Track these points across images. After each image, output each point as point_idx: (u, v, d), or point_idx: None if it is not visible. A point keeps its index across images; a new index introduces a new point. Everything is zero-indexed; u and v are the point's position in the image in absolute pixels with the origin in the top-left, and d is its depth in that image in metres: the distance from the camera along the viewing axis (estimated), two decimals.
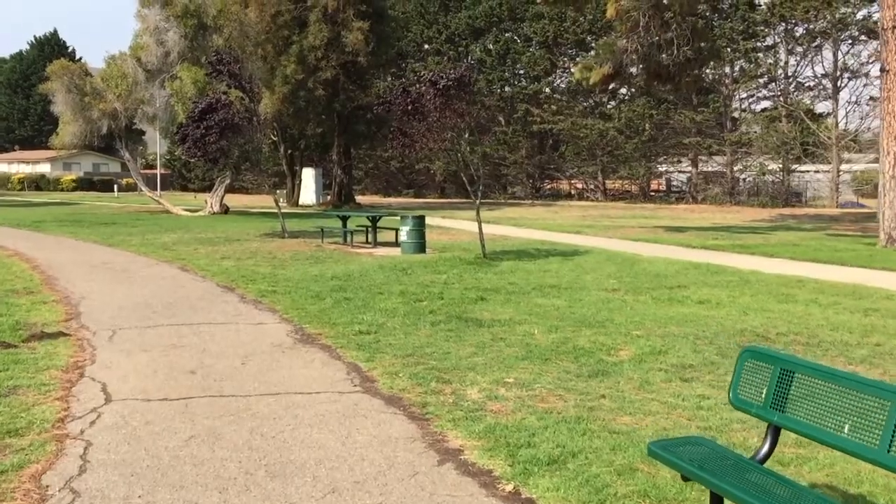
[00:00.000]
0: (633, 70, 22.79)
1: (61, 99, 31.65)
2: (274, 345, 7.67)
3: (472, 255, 15.96)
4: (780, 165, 44.10)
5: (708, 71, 35.97)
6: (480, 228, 15.97)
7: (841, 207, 41.29)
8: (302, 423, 5.20)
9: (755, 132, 45.15)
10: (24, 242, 19.24)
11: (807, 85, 44.69)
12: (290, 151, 45.04)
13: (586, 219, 31.64)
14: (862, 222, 28.96)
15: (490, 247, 16.21)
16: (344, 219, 20.23)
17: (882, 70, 18.18)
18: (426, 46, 58.86)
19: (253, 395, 5.86)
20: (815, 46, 42.66)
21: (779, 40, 44.39)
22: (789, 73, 44.66)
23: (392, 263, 14.56)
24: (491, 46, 54.07)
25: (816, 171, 45.09)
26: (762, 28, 43.88)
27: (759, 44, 44.50)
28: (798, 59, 44.08)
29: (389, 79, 51.09)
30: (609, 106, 52.56)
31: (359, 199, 46.44)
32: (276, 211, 23.79)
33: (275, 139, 42.41)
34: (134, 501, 3.96)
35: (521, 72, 55.27)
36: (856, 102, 44.26)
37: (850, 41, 41.98)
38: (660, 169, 52.55)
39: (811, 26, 41.78)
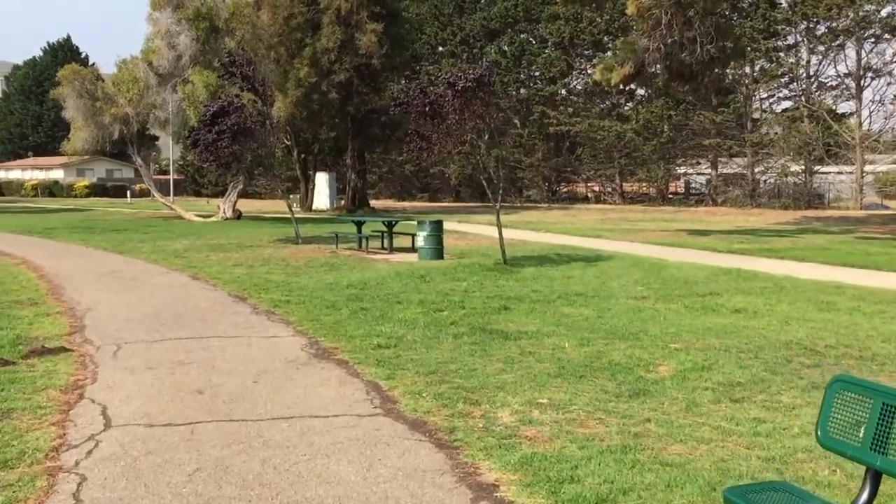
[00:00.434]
0: (655, 69, 22.17)
1: (72, 104, 31.40)
2: (288, 360, 7.19)
3: (492, 261, 15.45)
4: (803, 167, 43.28)
5: (728, 71, 35.25)
6: (501, 234, 15.45)
7: (865, 209, 40.46)
8: (318, 453, 4.70)
9: (776, 133, 44.36)
10: (33, 250, 18.90)
11: (829, 84, 43.88)
12: (303, 156, 44.66)
13: (605, 222, 31.04)
14: (890, 224, 28.22)
15: (510, 252, 15.69)
16: (359, 224, 19.77)
17: None
18: (440, 49, 58.38)
19: (265, 420, 5.38)
20: (838, 45, 41.84)
21: (800, 39, 43.60)
22: (811, 73, 43.85)
23: (409, 270, 14.07)
24: (506, 48, 53.52)
25: (839, 173, 44.22)
26: (783, 27, 43.12)
27: (780, 43, 43.74)
28: (820, 58, 43.28)
29: (403, 81, 50.66)
30: (626, 107, 51.90)
31: (373, 203, 46.01)
32: (289, 216, 23.37)
33: (288, 143, 42.03)
34: None
35: (537, 73, 54.68)
36: (880, 102, 43.34)
37: (873, 40, 41.15)
38: (678, 171, 51.79)
39: (833, 24, 40.98)
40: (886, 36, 40.25)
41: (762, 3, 43.11)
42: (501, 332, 8.39)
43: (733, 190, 46.32)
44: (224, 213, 32.99)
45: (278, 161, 32.57)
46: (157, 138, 67.69)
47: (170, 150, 59.84)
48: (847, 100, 43.85)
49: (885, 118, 44.84)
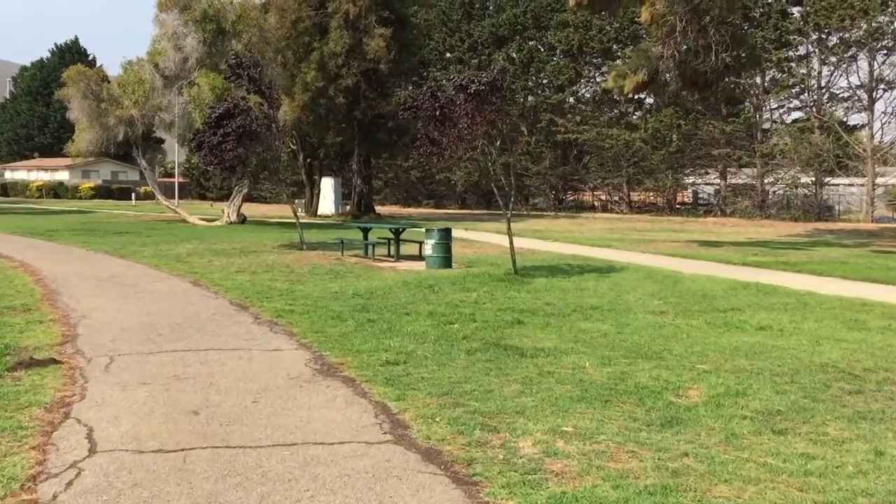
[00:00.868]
0: (668, 77, 21.75)
1: (77, 105, 31.06)
2: (290, 377, 6.74)
3: (502, 270, 15.00)
4: (813, 178, 42.78)
5: (738, 80, 34.82)
6: (511, 242, 15.00)
7: (876, 222, 39.95)
8: (323, 488, 4.25)
9: (786, 144, 43.86)
10: (32, 252, 18.50)
11: (840, 96, 43.40)
12: (309, 160, 44.32)
13: (614, 232, 30.59)
14: None
15: (519, 262, 15.23)
16: (365, 231, 19.35)
17: None
18: (448, 55, 58.10)
19: (264, 446, 4.93)
20: (850, 56, 41.37)
21: (812, 50, 43.15)
22: (822, 84, 43.38)
23: (417, 279, 13.62)
24: (514, 55, 53.15)
25: (850, 185, 43.71)
26: (795, 37, 42.67)
27: (791, 53, 43.30)
28: (832, 69, 42.80)
29: (410, 87, 50.32)
30: (635, 116, 51.48)
31: (378, 209, 45.60)
32: (294, 221, 22.96)
33: (294, 147, 41.68)
34: None
35: (545, 81, 54.32)
36: (892, 114, 42.80)
37: (885, 51, 40.69)
38: (686, 181, 51.32)
39: (846, 35, 40.52)
40: None
41: (774, 13, 42.71)
42: (516, 348, 7.93)
43: (742, 201, 45.84)
44: (228, 217, 32.60)
45: (284, 165, 32.22)
46: (162, 141, 67.45)
47: (175, 152, 59.58)
48: (859, 111, 43.39)
49: None
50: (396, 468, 4.56)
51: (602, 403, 5.85)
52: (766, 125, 46.49)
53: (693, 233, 30.48)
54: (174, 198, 50.87)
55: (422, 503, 4.07)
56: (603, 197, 54.84)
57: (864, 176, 42.17)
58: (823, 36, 42.11)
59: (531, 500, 4.06)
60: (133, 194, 63.19)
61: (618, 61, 48.45)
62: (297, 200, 40.86)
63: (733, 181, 47.82)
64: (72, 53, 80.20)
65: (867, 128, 42.50)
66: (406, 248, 18.63)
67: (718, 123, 44.18)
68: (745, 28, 38.42)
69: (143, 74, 30.41)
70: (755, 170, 45.26)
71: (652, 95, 31.88)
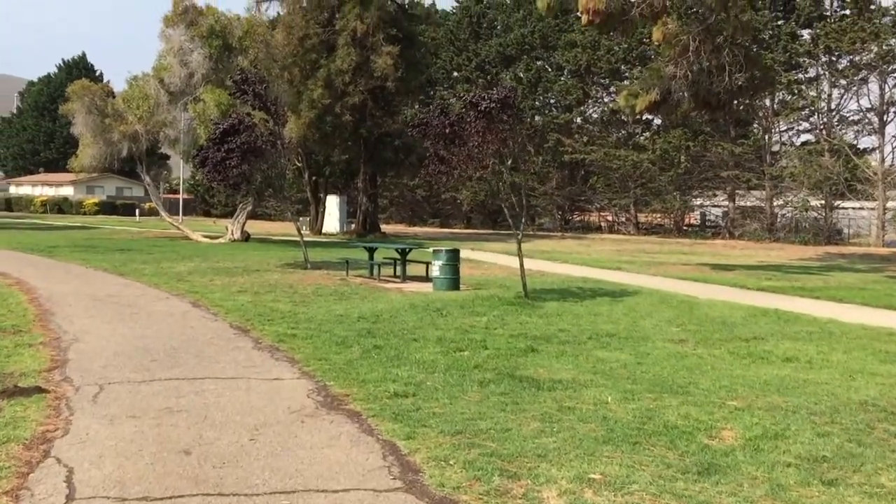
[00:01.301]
0: (681, 97, 21.36)
1: (81, 120, 30.79)
2: (291, 411, 6.27)
3: (512, 293, 14.55)
4: (822, 201, 42.31)
5: (748, 101, 34.45)
6: (522, 264, 14.55)
7: (887, 246, 39.42)
8: None
9: (795, 166, 43.43)
10: (30, 269, 18.10)
11: (850, 119, 43.02)
12: (314, 178, 44.01)
13: (622, 253, 30.12)
14: None
15: (529, 284, 14.77)
16: (371, 250, 18.92)
17: None
18: (455, 74, 57.96)
19: (261, 494, 4.46)
20: (861, 79, 41.03)
21: (822, 72, 42.83)
22: (832, 106, 43.02)
23: (425, 302, 13.17)
24: (522, 74, 52.95)
25: (860, 208, 43.23)
26: (805, 59, 42.38)
27: (801, 75, 43.00)
28: (842, 91, 42.45)
29: (417, 106, 50.11)
30: (643, 137, 51.14)
31: (383, 227, 45.21)
32: (298, 239, 22.54)
33: (299, 165, 41.37)
34: None
35: (553, 101, 54.09)
36: None
37: None
38: (695, 202, 50.88)
39: (857, 58, 40.20)
40: None
41: (784, 35, 42.45)
42: (532, 379, 7.46)
43: (751, 223, 45.35)
44: (232, 234, 32.23)
45: (289, 183, 31.85)
46: (167, 157, 67.46)
47: (180, 169, 59.41)
48: (869, 134, 42.98)
49: None
50: None
51: (630, 446, 5.37)
52: (776, 147, 46.11)
53: (703, 255, 30.01)
54: (179, 214, 50.59)
55: None
56: (609, 218, 54.43)
57: (875, 199, 41.70)
58: (834, 58, 41.81)
59: None
60: (137, 210, 62.93)
61: (626, 81, 48.24)
62: (301, 218, 40.52)
63: (741, 203, 47.36)
64: (79, 69, 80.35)
65: (878, 151, 42.09)
66: (412, 269, 18.18)
67: (727, 145, 43.82)
68: (754, 49, 38.17)
69: (148, 90, 30.15)
70: (764, 192, 44.83)
71: (660, 116, 31.49)
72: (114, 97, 32.83)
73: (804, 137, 46.01)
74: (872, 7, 39.72)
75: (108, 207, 69.54)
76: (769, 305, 13.72)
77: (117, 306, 12.23)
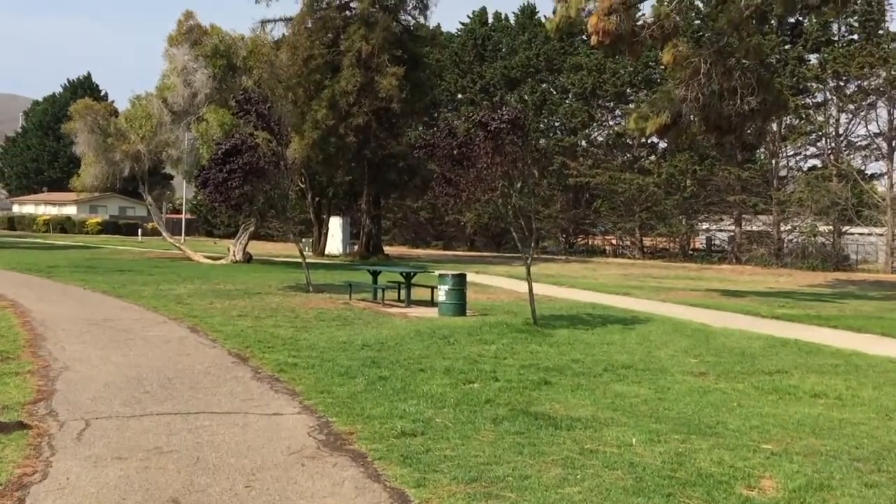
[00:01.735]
0: (692, 120, 21.00)
1: (83, 139, 30.48)
2: (291, 451, 5.80)
3: (520, 320, 14.09)
4: (830, 227, 41.88)
5: (758, 125, 34.15)
6: (531, 290, 14.08)
7: None
8: None
9: (801, 191, 43.03)
10: (27, 291, 17.67)
11: (858, 144, 42.70)
12: (317, 199, 43.66)
13: (629, 278, 29.66)
14: None
15: (536, 310, 14.30)
16: (375, 274, 18.48)
17: None
18: (460, 96, 57.83)
19: None
20: (869, 104, 40.75)
21: (830, 97, 42.57)
22: (840, 131, 42.72)
23: (431, 328, 12.71)
24: (527, 97, 52.80)
25: (869, 234, 42.77)
26: (813, 84, 42.14)
27: (809, 100, 42.74)
28: (850, 116, 42.18)
29: (421, 128, 49.89)
30: (648, 160, 50.84)
31: (386, 249, 44.79)
32: (300, 260, 22.12)
33: (302, 186, 41.03)
34: None
35: (557, 124, 53.90)
36: None
37: None
38: (701, 227, 50.46)
39: (865, 83, 39.96)
40: None
41: (791, 59, 42.26)
42: (548, 416, 6.99)
43: (758, 248, 44.88)
44: (234, 255, 31.82)
45: (292, 204, 31.47)
46: (171, 177, 67.20)
47: (183, 189, 59.17)
48: (877, 160, 42.63)
49: None
50: None
51: (664, 498, 4.89)
52: (783, 172, 45.76)
53: (711, 281, 29.53)
54: (181, 234, 50.27)
55: None
56: (614, 241, 54.00)
57: (882, 225, 41.27)
58: (842, 83, 41.57)
59: None
60: (140, 230, 62.64)
61: (631, 104, 48.04)
62: (304, 239, 40.11)
63: (748, 228, 46.94)
64: (84, 89, 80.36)
65: (886, 177, 41.71)
66: (417, 293, 17.73)
67: (734, 169, 43.48)
68: (762, 73, 37.93)
69: (150, 109, 29.87)
70: (771, 217, 44.41)
71: (669, 139, 31.15)
72: (117, 116, 32.57)
73: (811, 162, 45.76)
74: (881, 32, 39.56)
75: (111, 227, 69.25)
76: (787, 335, 13.24)
77: (112, 331, 11.78)
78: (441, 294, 15.10)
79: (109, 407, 6.98)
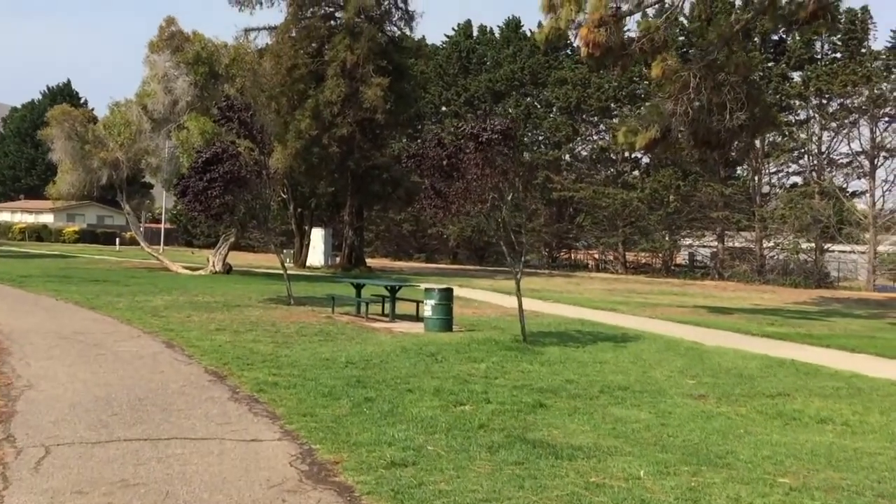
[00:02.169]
0: (680, 135, 20.75)
1: (60, 146, 29.75)
2: (271, 484, 5.31)
3: (508, 336, 13.68)
4: (813, 244, 41.89)
5: (747, 141, 34.08)
6: (521, 306, 13.67)
7: (878, 291, 38.95)
8: None
9: (783, 208, 43.02)
10: None
11: (840, 161, 42.80)
12: (299, 210, 43.10)
13: (613, 293, 29.36)
14: None
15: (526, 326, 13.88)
16: (358, 287, 17.97)
17: None
18: (444, 108, 57.57)
19: None
20: (851, 122, 40.88)
21: (813, 115, 42.69)
22: (822, 149, 42.82)
23: (417, 345, 12.25)
24: (511, 110, 52.62)
25: (851, 252, 42.84)
26: (796, 101, 42.25)
27: (791, 117, 42.83)
28: (832, 134, 42.28)
29: (405, 140, 49.55)
30: (632, 176, 50.76)
31: (368, 262, 44.26)
32: (281, 272, 21.59)
33: (284, 197, 40.47)
34: None
35: (541, 137, 53.73)
36: (894, 182, 41.98)
37: (888, 119, 40.22)
38: (683, 242, 50.40)
39: (848, 101, 40.09)
40: None
41: (774, 76, 42.35)
42: (547, 444, 6.54)
43: (740, 265, 44.83)
44: (213, 266, 31.19)
45: (273, 214, 30.90)
46: (151, 186, 66.28)
47: (163, 198, 58.37)
48: (859, 178, 42.77)
49: None
50: None
51: None
52: (766, 189, 45.81)
53: (696, 297, 29.31)
54: (160, 244, 49.45)
55: None
56: (596, 256, 53.81)
57: (864, 243, 41.34)
58: (824, 101, 41.70)
59: None
60: (118, 239, 61.66)
61: (615, 119, 47.97)
62: (285, 251, 39.52)
63: (731, 244, 46.91)
64: (63, 96, 79.36)
65: (868, 195, 41.83)
66: (401, 307, 17.26)
67: (717, 185, 43.46)
68: (753, 88, 37.93)
69: (130, 116, 29.21)
70: (754, 233, 44.39)
71: (658, 154, 31.00)
72: (95, 123, 31.87)
73: (794, 179, 45.84)
74: (864, 50, 39.75)
75: (89, 236, 68.18)
76: (782, 355, 12.91)
77: (82, 345, 11.20)
78: (427, 309, 14.64)
79: (73, 431, 6.45)
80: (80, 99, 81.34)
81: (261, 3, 36.23)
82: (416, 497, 5.08)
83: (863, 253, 41.88)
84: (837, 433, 7.60)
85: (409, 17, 38.67)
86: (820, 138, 42.88)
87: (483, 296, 25.16)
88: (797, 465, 6.23)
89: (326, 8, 37.92)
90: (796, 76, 42.95)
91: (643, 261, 51.58)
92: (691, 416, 8.02)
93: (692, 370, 11.16)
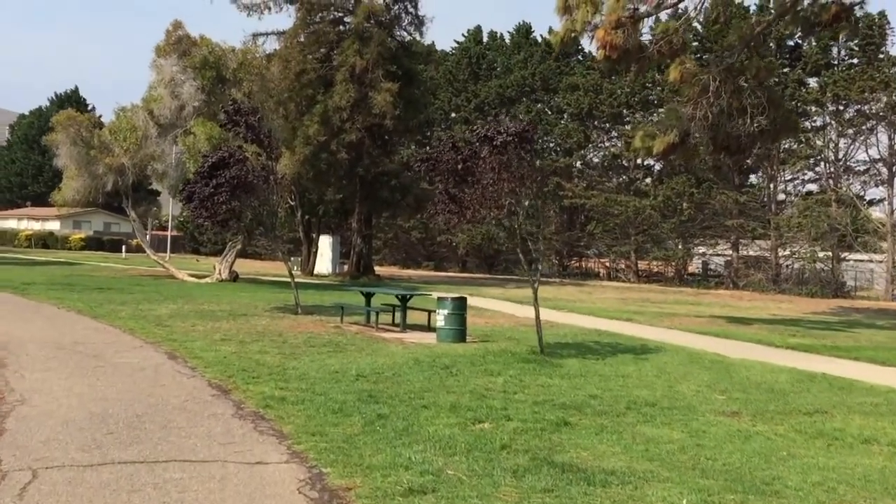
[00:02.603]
0: (698, 139, 20.21)
1: (66, 152, 29.37)
2: None
3: (524, 347, 13.15)
4: (830, 253, 41.20)
5: (768, 146, 33.46)
6: (538, 316, 13.13)
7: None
8: None
9: (799, 216, 42.38)
10: None
11: (857, 169, 42.16)
12: (307, 217, 42.66)
13: (627, 302, 28.79)
14: None
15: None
16: (368, 296, 17.48)
17: None
18: (454, 114, 57.15)
19: None
20: (869, 129, 40.24)
21: (829, 121, 42.07)
22: (839, 156, 42.17)
23: (430, 356, 11.73)
24: (522, 116, 51.92)
25: (869, 261, 42.13)
26: (812, 107, 41.64)
27: (808, 124, 42.21)
28: (849, 141, 41.65)
29: (414, 146, 49.13)
30: (644, 183, 50.17)
31: (377, 269, 43.77)
32: (289, 280, 21.11)
33: (292, 203, 40.05)
34: None
35: (552, 144, 53.21)
36: None
37: None
38: (697, 251, 49.74)
39: (865, 108, 39.46)
40: None
41: (791, 82, 41.76)
42: (577, 468, 6.01)
43: (755, 274, 44.14)
44: (220, 273, 30.75)
45: (281, 221, 30.47)
46: (158, 193, 66.06)
47: (169, 205, 58.09)
48: (876, 185, 42.10)
49: None
50: None
51: None
52: (781, 196, 45.17)
53: (712, 307, 28.69)
54: (167, 252, 49.10)
55: None
56: (608, 264, 53.18)
57: (882, 252, 40.64)
58: (841, 107, 41.08)
59: None
60: (124, 247, 61.35)
61: (627, 125, 47.45)
62: (293, 258, 39.06)
63: (745, 253, 46.25)
64: (71, 102, 79.15)
65: (886, 202, 41.15)
66: (412, 316, 16.75)
67: (731, 193, 42.84)
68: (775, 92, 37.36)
69: (136, 121, 28.83)
70: (769, 242, 43.73)
71: (672, 160, 30.45)
72: (101, 128, 31.52)
73: (809, 187, 45.18)
74: (881, 56, 39.14)
75: (95, 243, 67.94)
76: (812, 368, 12.35)
77: (81, 357, 10.72)
78: (440, 319, 14.13)
79: (64, 452, 5.95)
80: (87, 105, 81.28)
81: (269, 8, 35.88)
82: None
83: (880, 262, 41.15)
84: (886, 455, 7.05)
85: (418, 22, 38.30)
86: (837, 145, 42.27)
87: (495, 305, 24.66)
88: (852, 493, 5.69)
89: (335, 13, 37.55)
90: (812, 82, 42.37)
91: (655, 269, 50.93)
92: (727, 435, 7.48)
93: (720, 384, 10.61)
